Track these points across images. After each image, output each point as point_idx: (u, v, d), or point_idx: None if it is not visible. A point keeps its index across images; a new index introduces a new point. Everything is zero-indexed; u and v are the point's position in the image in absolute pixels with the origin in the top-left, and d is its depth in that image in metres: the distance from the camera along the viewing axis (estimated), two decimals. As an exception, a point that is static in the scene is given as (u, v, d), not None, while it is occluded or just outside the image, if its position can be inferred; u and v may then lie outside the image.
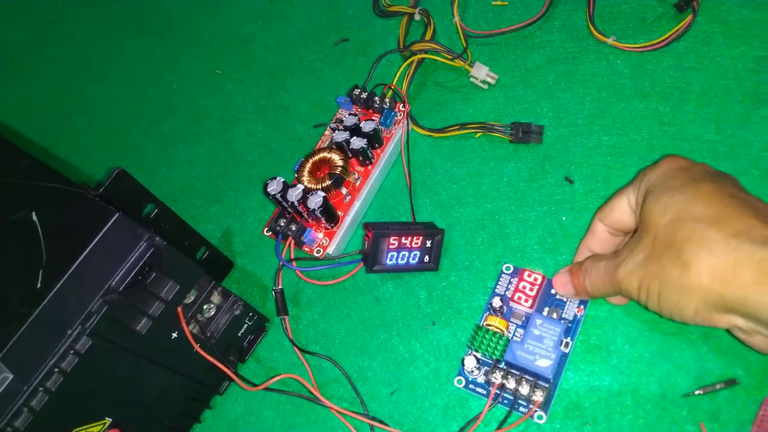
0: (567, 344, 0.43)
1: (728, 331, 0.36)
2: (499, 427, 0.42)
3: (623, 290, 0.38)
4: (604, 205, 0.42)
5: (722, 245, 0.32)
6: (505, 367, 0.43)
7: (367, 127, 0.50)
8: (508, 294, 0.45)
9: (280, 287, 0.49)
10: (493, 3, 0.59)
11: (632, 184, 0.40)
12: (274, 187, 0.47)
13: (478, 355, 0.44)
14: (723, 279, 0.32)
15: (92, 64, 0.72)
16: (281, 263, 0.48)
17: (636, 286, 0.36)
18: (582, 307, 0.44)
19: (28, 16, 0.79)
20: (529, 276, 0.45)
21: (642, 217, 0.37)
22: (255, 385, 0.46)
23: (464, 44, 0.57)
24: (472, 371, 0.43)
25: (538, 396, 0.41)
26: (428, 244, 0.48)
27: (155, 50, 0.70)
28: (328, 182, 0.49)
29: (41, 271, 0.36)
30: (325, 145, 0.55)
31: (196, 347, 0.43)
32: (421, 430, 0.44)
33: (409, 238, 0.47)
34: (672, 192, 0.35)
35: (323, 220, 0.49)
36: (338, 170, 0.50)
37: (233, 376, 0.45)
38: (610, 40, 0.53)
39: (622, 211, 0.40)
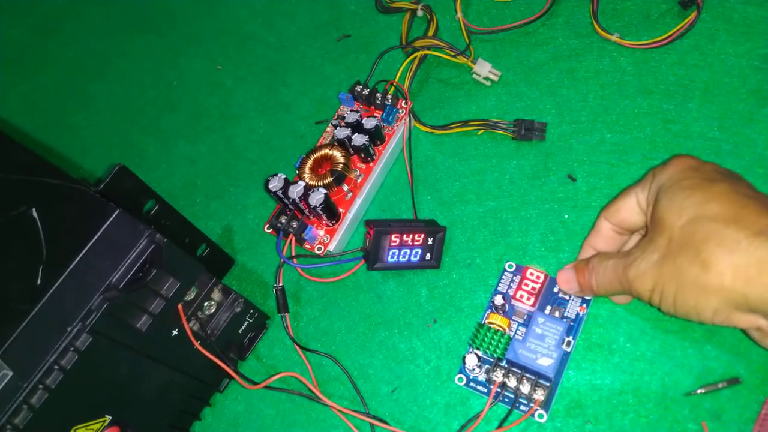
0: (569, 343, 0.43)
1: (744, 331, 0.36)
2: (500, 425, 0.41)
3: (634, 290, 0.37)
4: (610, 204, 0.42)
5: (744, 244, 0.32)
6: (506, 366, 0.42)
7: (368, 123, 0.50)
8: (511, 292, 0.45)
9: (280, 284, 0.49)
10: (495, -1, 0.59)
11: (641, 184, 0.39)
12: (275, 184, 0.47)
13: (480, 353, 0.43)
14: (746, 278, 0.32)
15: (93, 63, 0.72)
16: (282, 260, 0.48)
17: (649, 287, 0.36)
18: (584, 305, 0.44)
19: (30, 14, 0.79)
20: (532, 274, 0.45)
21: (655, 217, 0.37)
22: (255, 383, 0.46)
23: (467, 41, 0.56)
24: (474, 369, 0.43)
25: (540, 395, 0.41)
26: (430, 241, 0.48)
27: (156, 48, 0.70)
28: (330, 179, 0.49)
29: (41, 267, 0.36)
30: (327, 141, 0.55)
31: (197, 345, 0.43)
32: (422, 429, 0.44)
33: (411, 236, 0.47)
34: (686, 192, 0.35)
35: (324, 217, 0.48)
36: (340, 167, 0.50)
37: (233, 374, 0.45)
38: (613, 37, 0.53)
39: (630, 210, 0.40)
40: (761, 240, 0.32)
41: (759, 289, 0.32)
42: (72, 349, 0.35)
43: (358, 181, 0.51)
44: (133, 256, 0.37)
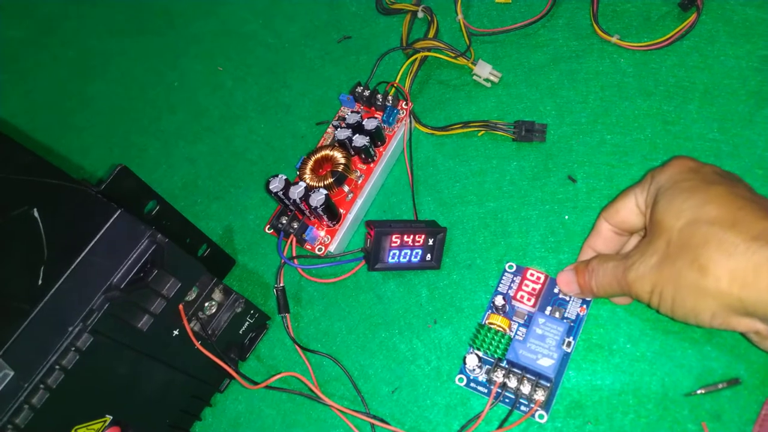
0: (569, 343, 0.43)
1: (742, 334, 0.36)
2: (501, 426, 0.41)
3: (633, 293, 0.37)
4: (609, 205, 0.42)
5: (741, 249, 0.32)
6: (506, 366, 0.42)
7: (369, 124, 0.50)
8: (511, 293, 0.45)
9: (281, 285, 0.49)
10: (496, 1, 0.59)
11: (640, 185, 0.39)
12: (276, 185, 0.47)
13: (480, 354, 0.44)
14: (743, 282, 0.32)
15: (94, 63, 0.72)
16: (283, 261, 0.48)
17: (648, 290, 0.36)
18: (584, 306, 0.44)
19: (30, 14, 0.79)
20: (532, 275, 0.45)
21: (654, 219, 0.37)
22: (256, 383, 0.46)
23: (467, 42, 0.56)
24: (474, 370, 0.43)
25: (540, 395, 0.41)
26: (430, 242, 0.48)
27: (156, 48, 0.70)
28: (330, 180, 0.49)
29: (42, 267, 0.36)
30: (328, 142, 0.55)
31: (197, 345, 0.43)
32: (423, 429, 0.44)
33: (411, 237, 0.47)
34: (684, 195, 0.35)
35: (325, 218, 0.48)
36: (340, 168, 0.50)
37: (234, 374, 0.45)
38: (613, 39, 0.53)
39: (630, 211, 0.40)
40: (758, 244, 0.32)
41: (756, 294, 0.32)
42: (73, 349, 0.35)
43: (359, 182, 0.51)
44: (134, 256, 0.37)
